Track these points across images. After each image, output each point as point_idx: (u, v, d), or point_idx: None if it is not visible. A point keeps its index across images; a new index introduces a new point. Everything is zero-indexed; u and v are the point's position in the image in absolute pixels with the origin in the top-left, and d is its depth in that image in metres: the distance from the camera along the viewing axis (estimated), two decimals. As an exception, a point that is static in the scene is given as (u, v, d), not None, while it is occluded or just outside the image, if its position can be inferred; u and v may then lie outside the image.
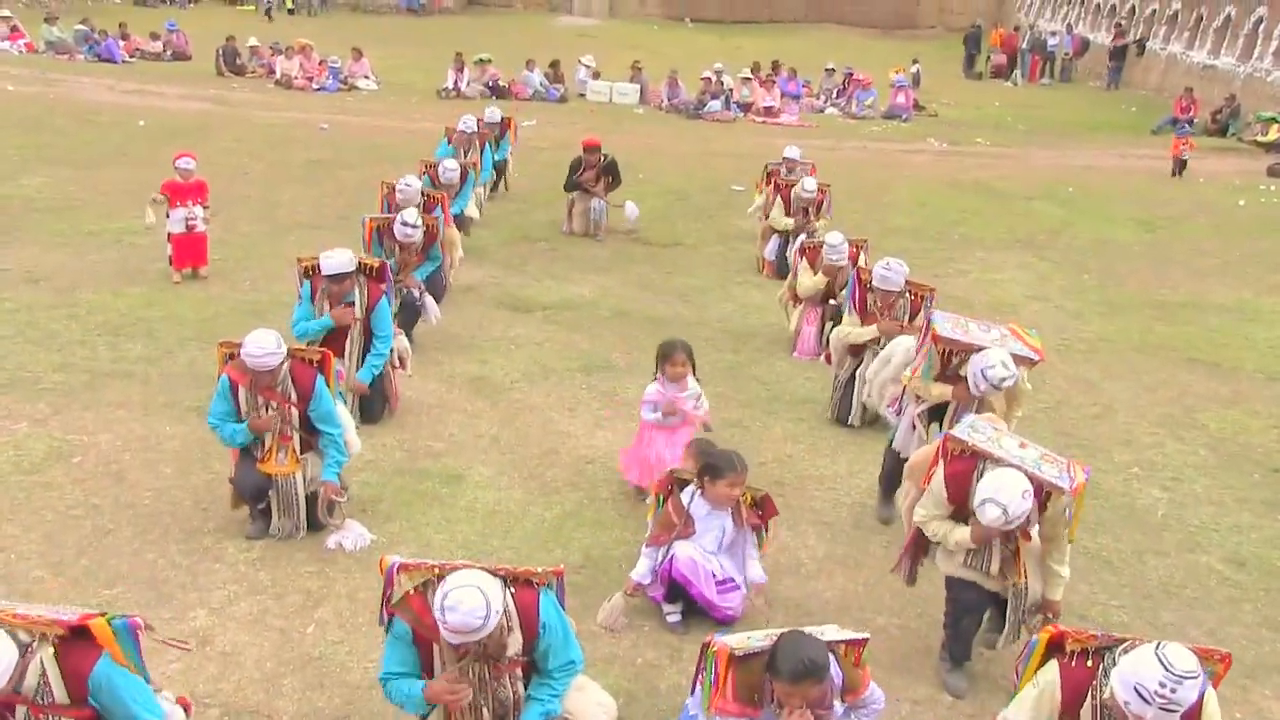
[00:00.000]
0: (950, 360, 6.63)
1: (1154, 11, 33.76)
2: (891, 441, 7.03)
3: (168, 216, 10.58)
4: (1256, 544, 7.09)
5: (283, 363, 6.01)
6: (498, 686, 4.19)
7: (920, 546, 5.68)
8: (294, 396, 6.13)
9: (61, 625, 3.80)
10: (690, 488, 5.76)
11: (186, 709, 4.24)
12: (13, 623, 3.67)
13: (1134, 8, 35.05)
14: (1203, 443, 8.62)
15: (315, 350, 6.51)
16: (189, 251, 10.68)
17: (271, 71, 25.81)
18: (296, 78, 25.09)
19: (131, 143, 16.87)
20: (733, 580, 5.76)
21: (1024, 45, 36.70)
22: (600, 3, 45.11)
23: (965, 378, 6.44)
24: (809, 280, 9.77)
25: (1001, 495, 4.84)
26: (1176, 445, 8.52)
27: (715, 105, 25.22)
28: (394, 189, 10.07)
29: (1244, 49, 28.19)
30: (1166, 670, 3.59)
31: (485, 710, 4.19)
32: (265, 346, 5.84)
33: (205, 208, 10.68)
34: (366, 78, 25.92)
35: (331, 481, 6.23)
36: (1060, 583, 5.32)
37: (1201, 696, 3.78)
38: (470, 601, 3.81)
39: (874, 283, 8.29)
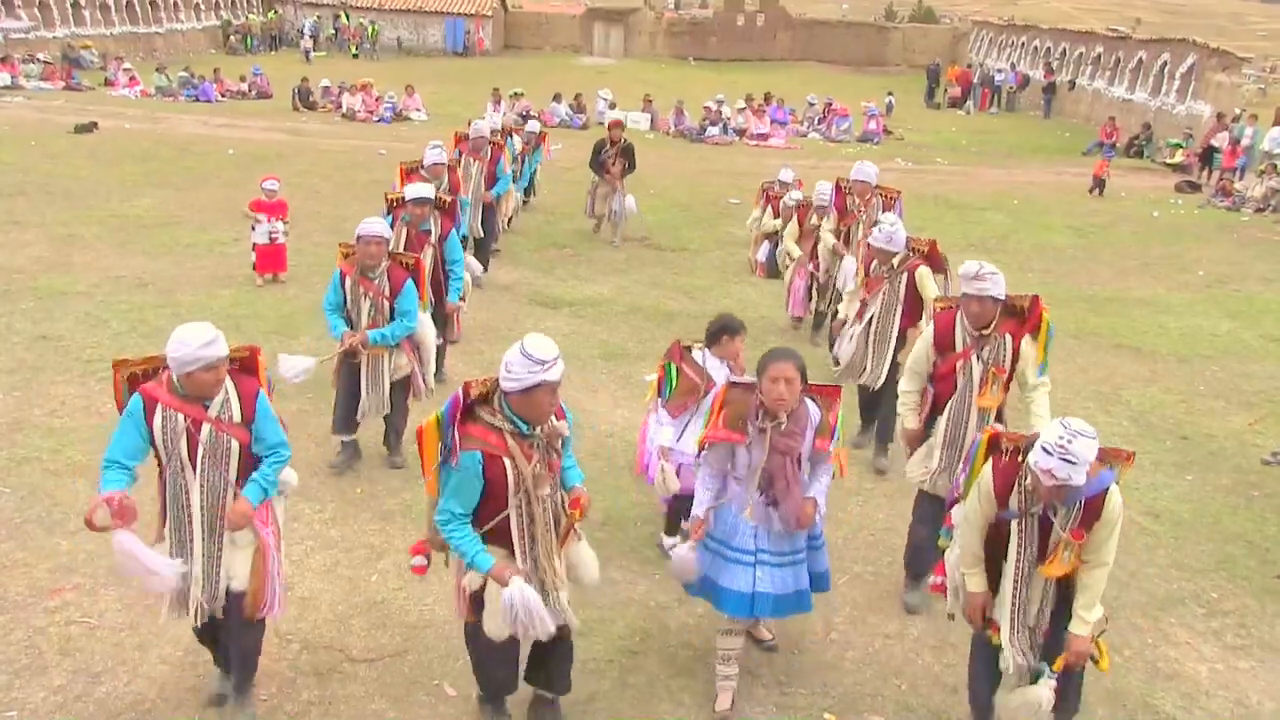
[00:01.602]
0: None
1: (1081, 54, 33.90)
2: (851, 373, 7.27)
3: (253, 230, 10.60)
4: (1168, 500, 7.09)
5: (387, 243, 6.43)
6: (554, 490, 4.06)
7: (920, 441, 5.59)
8: (387, 291, 6.40)
9: (244, 348, 4.22)
10: (699, 350, 5.53)
11: None
12: None
13: (1064, 50, 35.12)
14: (1126, 415, 8.57)
15: (411, 255, 6.81)
16: (271, 259, 10.68)
17: (338, 106, 25.81)
18: (359, 111, 25.08)
19: (222, 168, 16.86)
20: None
21: (976, 80, 36.59)
22: (616, 45, 44.99)
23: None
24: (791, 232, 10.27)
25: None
26: (1104, 417, 8.47)
27: (715, 131, 25.15)
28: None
29: (1154, 87, 28.72)
30: (1065, 429, 3.72)
31: (549, 521, 4.02)
32: (375, 225, 6.39)
33: (285, 222, 10.70)
34: (418, 110, 25.88)
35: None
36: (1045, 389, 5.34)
37: (1106, 490, 3.95)
38: (546, 340, 3.81)
39: (851, 177, 8.77)
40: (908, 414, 5.62)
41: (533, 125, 15.01)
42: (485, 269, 10.91)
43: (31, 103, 23.32)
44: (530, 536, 3.98)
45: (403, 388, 6.69)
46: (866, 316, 7.13)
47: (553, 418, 3.99)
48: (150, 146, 18.61)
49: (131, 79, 27.34)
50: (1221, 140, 22.09)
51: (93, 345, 8.60)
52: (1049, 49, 36.28)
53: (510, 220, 12.92)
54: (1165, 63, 28.22)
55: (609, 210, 13.25)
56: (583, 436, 7.48)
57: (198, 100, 26.27)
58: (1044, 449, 3.74)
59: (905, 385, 5.64)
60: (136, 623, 5.00)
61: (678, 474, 5.50)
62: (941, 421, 5.42)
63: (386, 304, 6.43)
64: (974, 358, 5.28)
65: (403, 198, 7.67)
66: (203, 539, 4.12)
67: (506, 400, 3.86)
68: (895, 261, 6.98)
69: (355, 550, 5.80)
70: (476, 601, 4.06)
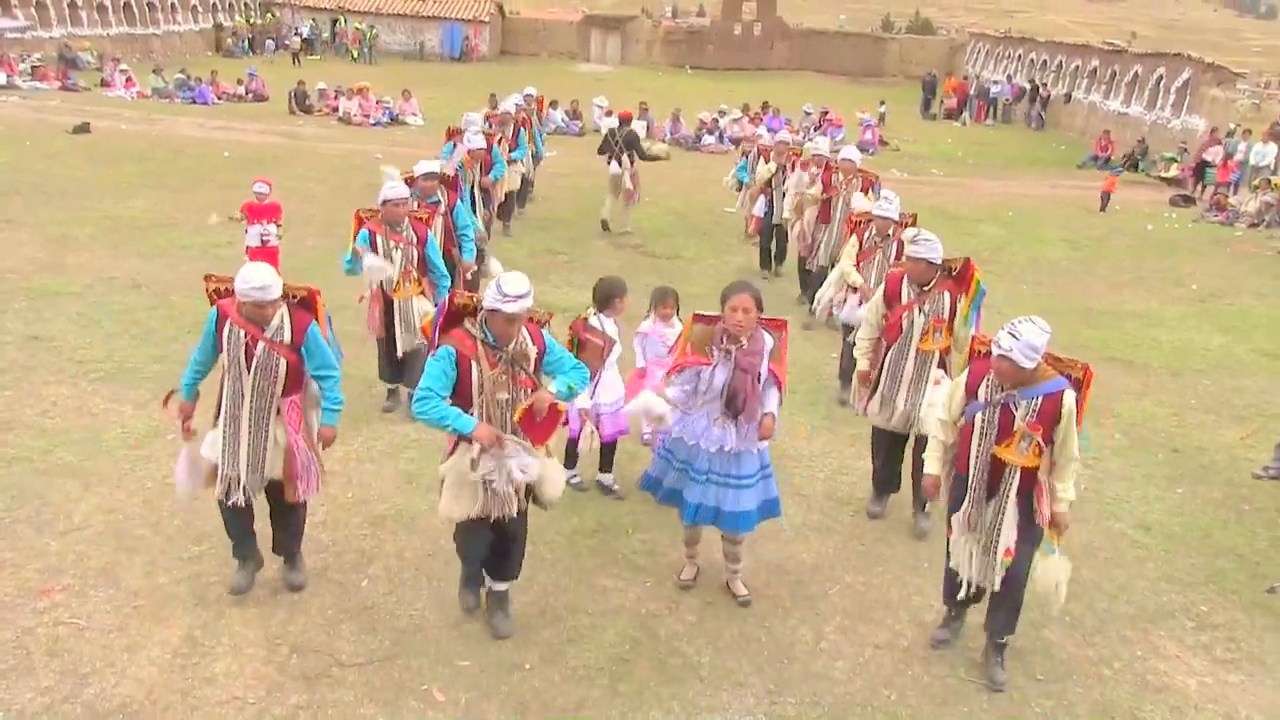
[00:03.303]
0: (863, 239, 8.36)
1: (1077, 67, 34.05)
2: (846, 333, 8.43)
3: (245, 232, 10.57)
4: (1160, 513, 7.10)
5: (409, 202, 7.47)
6: (520, 397, 4.73)
7: (871, 382, 6.55)
8: (415, 240, 7.44)
9: (303, 288, 5.11)
10: (595, 317, 6.33)
11: None
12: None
13: (1060, 63, 35.29)
14: (1118, 428, 8.60)
15: (423, 210, 7.89)
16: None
17: (335, 110, 25.82)
18: (355, 115, 25.10)
19: (217, 171, 16.84)
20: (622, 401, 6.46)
21: (972, 92, 36.73)
22: (613, 52, 45.10)
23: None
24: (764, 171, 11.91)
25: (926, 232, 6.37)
26: (1096, 430, 8.46)
27: (710, 140, 25.22)
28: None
29: (1149, 100, 28.73)
30: (1011, 322, 4.54)
31: (507, 426, 4.72)
32: (399, 189, 7.38)
33: (279, 225, 10.65)
34: (414, 115, 25.93)
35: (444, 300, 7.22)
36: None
37: (1061, 392, 4.62)
38: (520, 278, 4.61)
39: (840, 157, 10.34)
40: (861, 358, 6.61)
41: (529, 93, 15.64)
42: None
43: (27, 102, 23.30)
44: None
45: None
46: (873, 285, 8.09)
47: (529, 341, 4.79)
48: (146, 148, 18.60)
49: (128, 80, 27.35)
50: (1214, 155, 22.19)
51: (85, 346, 8.59)
52: (1045, 61, 36.46)
53: (517, 202, 14.02)
54: (1161, 77, 28.39)
55: (621, 188, 14.17)
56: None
57: (194, 102, 26.26)
58: (1001, 329, 4.55)
59: (861, 334, 6.64)
60: (125, 624, 4.99)
61: (598, 424, 6.32)
62: (886, 361, 6.42)
63: (415, 251, 7.43)
64: (917, 310, 6.30)
65: (412, 176, 8.60)
66: (248, 434, 5.00)
67: (485, 317, 4.68)
68: (890, 231, 8.20)
69: (345, 554, 5.79)
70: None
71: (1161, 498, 7.35)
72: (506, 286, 4.53)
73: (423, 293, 7.54)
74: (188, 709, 4.44)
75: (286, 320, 4.97)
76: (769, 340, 5.14)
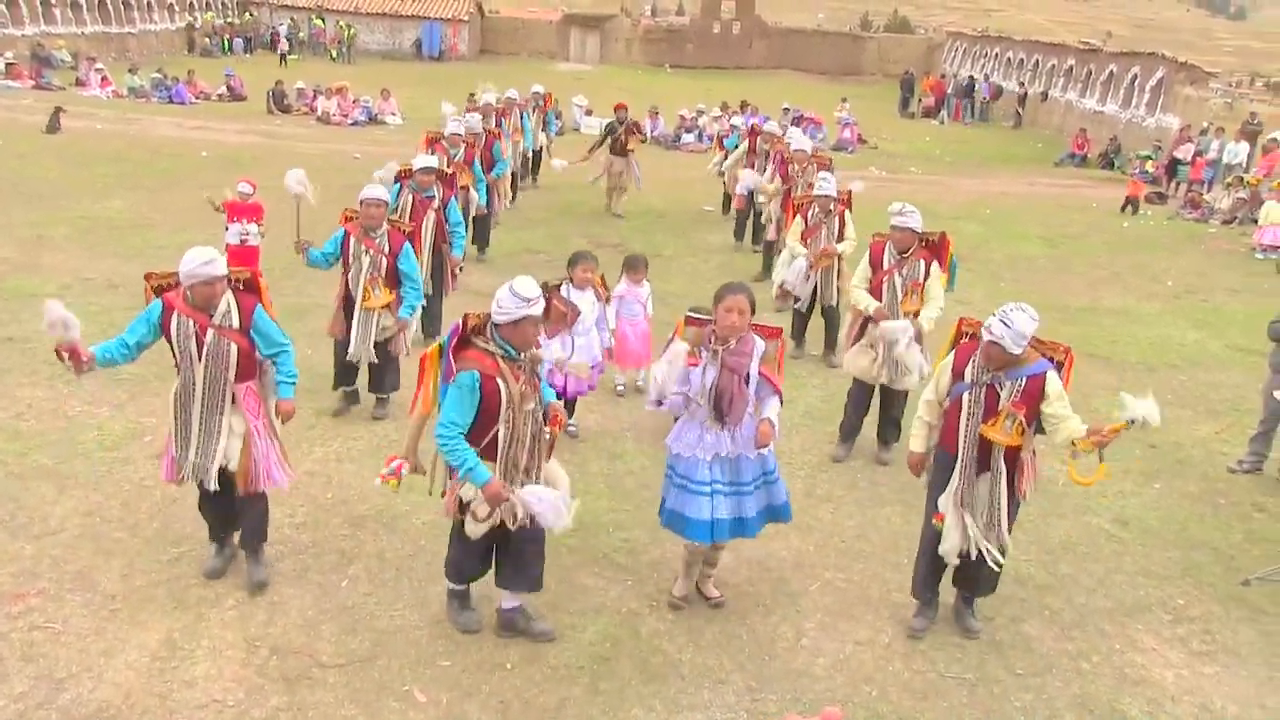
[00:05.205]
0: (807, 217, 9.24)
1: (1053, 66, 34.30)
2: (796, 300, 9.47)
3: (225, 229, 10.47)
4: (1136, 508, 7.14)
5: (386, 213, 7.25)
6: (536, 406, 4.72)
7: (859, 333, 7.30)
8: (387, 249, 7.19)
9: (245, 270, 5.30)
10: (563, 285, 6.88)
11: None
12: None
13: (1037, 62, 35.55)
14: (1094, 423, 8.62)
15: (408, 224, 7.79)
16: (241, 261, 10.45)
17: (313, 109, 25.66)
18: (334, 115, 24.95)
19: (196, 171, 16.67)
20: (598, 361, 7.27)
21: (949, 90, 36.90)
22: (593, 52, 45.03)
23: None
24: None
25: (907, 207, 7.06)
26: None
27: (689, 138, 25.21)
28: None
29: (1124, 99, 28.94)
30: (1003, 310, 4.86)
31: (529, 434, 4.71)
32: (376, 190, 7.22)
33: (260, 225, 10.54)
34: (393, 114, 25.79)
35: (405, 319, 7.36)
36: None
37: (1045, 374, 4.97)
38: (530, 280, 4.56)
39: (792, 148, 11.59)
40: (870, 302, 7.22)
41: (537, 87, 17.19)
42: (487, 243, 12.49)
43: (0, 101, 23.03)
44: (513, 447, 4.69)
45: (389, 346, 7.44)
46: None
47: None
48: (122, 148, 18.43)
49: (104, 79, 27.10)
50: (1186, 153, 22.36)
51: (61, 348, 8.48)
52: (1021, 61, 36.71)
53: (513, 198, 15.03)
54: (1135, 76, 28.64)
55: (623, 182, 15.40)
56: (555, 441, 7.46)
57: (170, 102, 26.05)
58: (992, 315, 4.82)
59: (855, 282, 7.36)
60: (102, 628, 4.94)
61: (565, 383, 6.97)
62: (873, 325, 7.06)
63: (384, 261, 7.19)
64: (896, 275, 7.05)
65: (410, 169, 8.78)
66: (200, 421, 5.05)
67: (498, 331, 4.59)
68: (831, 207, 9.12)
69: (325, 555, 5.75)
70: (464, 507, 4.74)
71: (1138, 492, 7.41)
72: (523, 290, 4.48)
73: (388, 306, 7.27)
74: (166, 713, 4.40)
75: (233, 305, 5.02)
76: (760, 344, 5.11)
